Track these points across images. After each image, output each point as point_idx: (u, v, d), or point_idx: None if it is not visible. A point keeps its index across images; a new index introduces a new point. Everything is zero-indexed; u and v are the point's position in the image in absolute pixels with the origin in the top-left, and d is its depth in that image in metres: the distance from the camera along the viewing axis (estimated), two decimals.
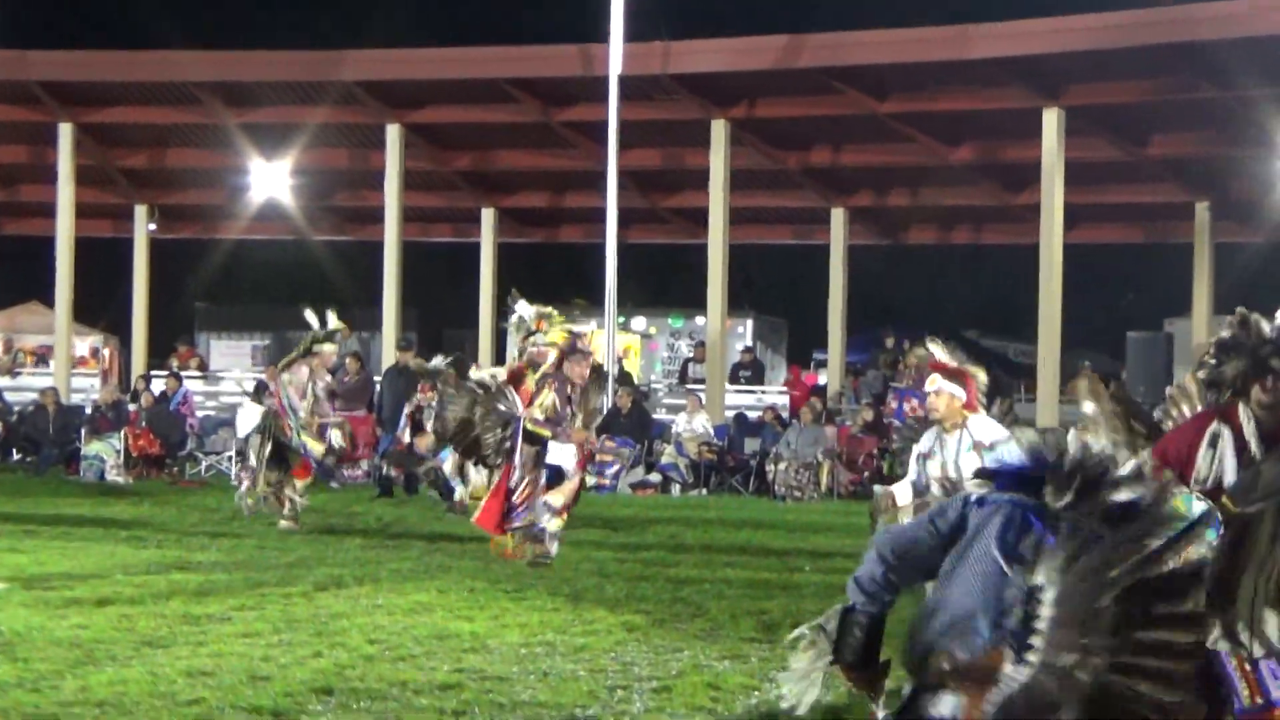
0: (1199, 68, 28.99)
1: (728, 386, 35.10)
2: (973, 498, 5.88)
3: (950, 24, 31.73)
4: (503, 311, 19.98)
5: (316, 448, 20.92)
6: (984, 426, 10.90)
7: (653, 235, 37.16)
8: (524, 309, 18.43)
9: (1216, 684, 7.29)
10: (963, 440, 10.69)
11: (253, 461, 20.83)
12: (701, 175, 34.12)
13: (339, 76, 34.74)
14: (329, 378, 21.77)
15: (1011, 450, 6.72)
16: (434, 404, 21.75)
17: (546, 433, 17.39)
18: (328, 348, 21.11)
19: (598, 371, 18.37)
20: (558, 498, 17.39)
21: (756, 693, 11.48)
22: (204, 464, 30.49)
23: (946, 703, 5.91)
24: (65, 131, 36.20)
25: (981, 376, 11.48)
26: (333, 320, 20.99)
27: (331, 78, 34.76)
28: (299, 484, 20.74)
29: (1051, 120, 30.94)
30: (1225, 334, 8.41)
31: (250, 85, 35.47)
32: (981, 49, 30.63)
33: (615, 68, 30.63)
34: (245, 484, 21.04)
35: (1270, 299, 8.85)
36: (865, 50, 32.23)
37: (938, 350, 11.80)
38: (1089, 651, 5.68)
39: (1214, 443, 8.26)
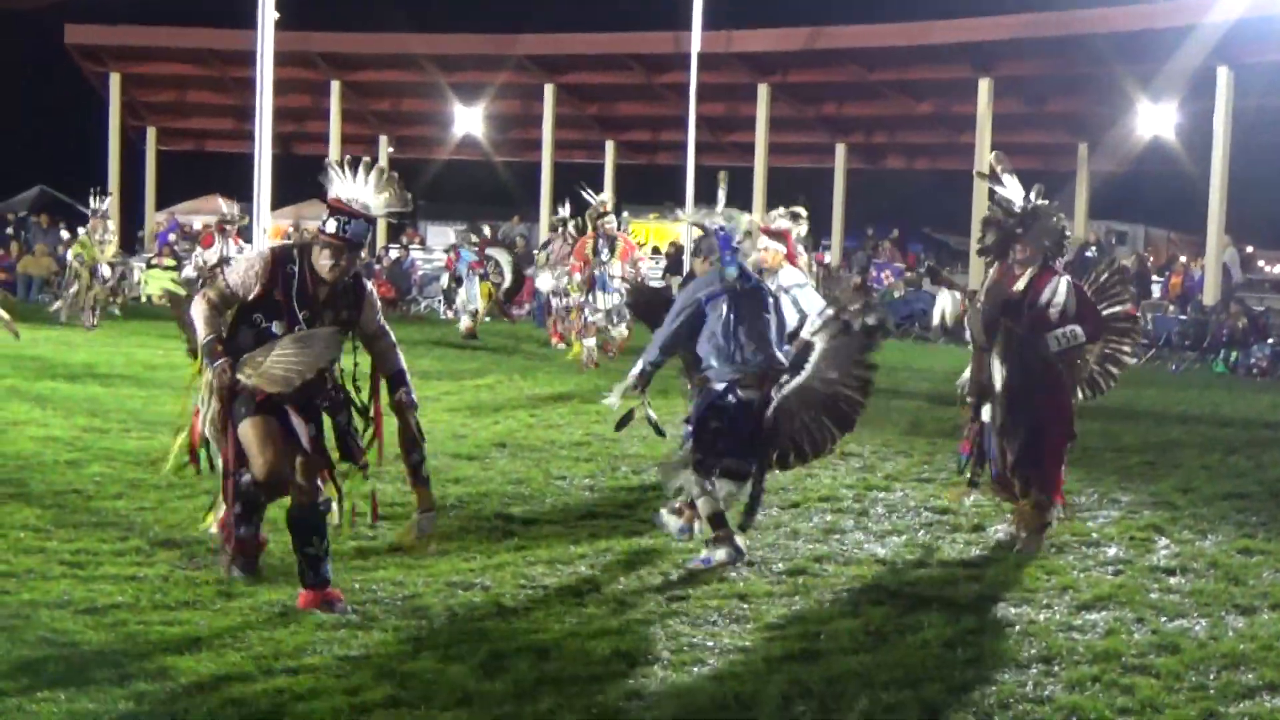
0: None
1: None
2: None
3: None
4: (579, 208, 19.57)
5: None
6: (788, 274, 9.98)
7: (718, 160, 36.88)
8: (595, 198, 18.69)
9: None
10: (774, 282, 10.21)
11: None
12: (750, 121, 33.98)
13: (514, 51, 34.74)
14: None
15: (805, 295, 9.46)
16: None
17: None
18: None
19: None
20: None
21: None
22: (422, 304, 30.61)
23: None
24: (335, 87, 36.33)
25: (799, 231, 11.09)
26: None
27: (508, 52, 34.77)
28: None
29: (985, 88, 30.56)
30: (986, 214, 8.59)
31: (456, 56, 35.50)
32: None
33: (695, 47, 30.36)
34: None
35: None
36: (862, 36, 31.95)
37: (768, 219, 11.25)
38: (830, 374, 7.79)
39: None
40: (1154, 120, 30.84)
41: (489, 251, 22.30)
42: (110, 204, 22.85)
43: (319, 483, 6.69)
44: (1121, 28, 28.41)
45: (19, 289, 29.59)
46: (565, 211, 21.68)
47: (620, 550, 8.05)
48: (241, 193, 24.65)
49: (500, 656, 6.01)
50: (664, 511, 8.48)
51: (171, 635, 6.14)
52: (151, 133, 38.55)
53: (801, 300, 9.49)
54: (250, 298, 6.43)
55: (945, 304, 9.04)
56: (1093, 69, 29.94)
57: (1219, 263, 27.87)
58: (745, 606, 6.93)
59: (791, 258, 10.68)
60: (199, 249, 22.79)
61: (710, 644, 6.32)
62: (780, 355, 8.02)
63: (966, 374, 8.72)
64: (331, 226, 6.34)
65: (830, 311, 7.98)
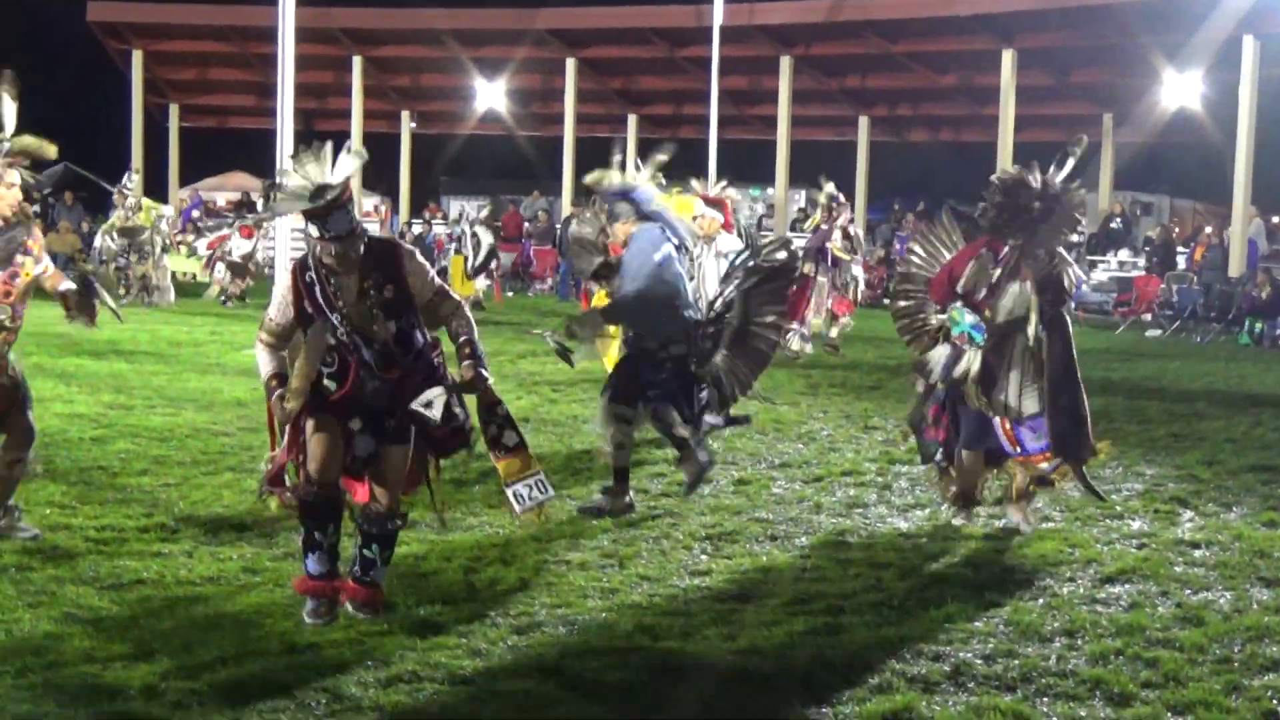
0: None
1: (789, 233, 35.01)
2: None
3: None
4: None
5: None
6: (724, 240, 10.79)
7: (740, 133, 36.80)
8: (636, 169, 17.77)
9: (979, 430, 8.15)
10: (712, 247, 10.75)
11: None
12: (773, 94, 33.87)
13: (535, 25, 34.71)
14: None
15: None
16: None
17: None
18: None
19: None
20: None
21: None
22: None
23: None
24: (356, 62, 36.33)
25: (732, 201, 11.69)
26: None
27: (530, 26, 34.73)
28: None
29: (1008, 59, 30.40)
30: (994, 186, 7.87)
31: (478, 31, 35.47)
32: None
33: (717, 20, 30.23)
34: None
35: None
36: (885, 7, 31.76)
37: (705, 187, 11.66)
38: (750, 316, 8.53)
39: (980, 262, 7.89)
40: (1179, 91, 30.64)
41: (475, 229, 22.57)
42: (130, 180, 23.15)
43: (398, 495, 6.23)
44: None
45: None
46: None
47: (644, 525, 8.05)
48: (264, 169, 24.65)
49: (524, 631, 6.02)
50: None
51: (195, 611, 6.17)
52: (174, 109, 38.64)
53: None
54: (293, 318, 6.10)
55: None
56: (1117, 39, 29.76)
57: (1244, 233, 27.69)
58: (768, 581, 6.93)
59: (729, 226, 10.99)
60: (236, 235, 23.19)
61: (734, 618, 6.32)
62: (697, 312, 8.62)
63: (937, 359, 8.10)
64: (315, 231, 5.94)
65: (747, 259, 8.76)
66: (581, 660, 5.67)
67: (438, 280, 6.19)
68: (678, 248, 8.46)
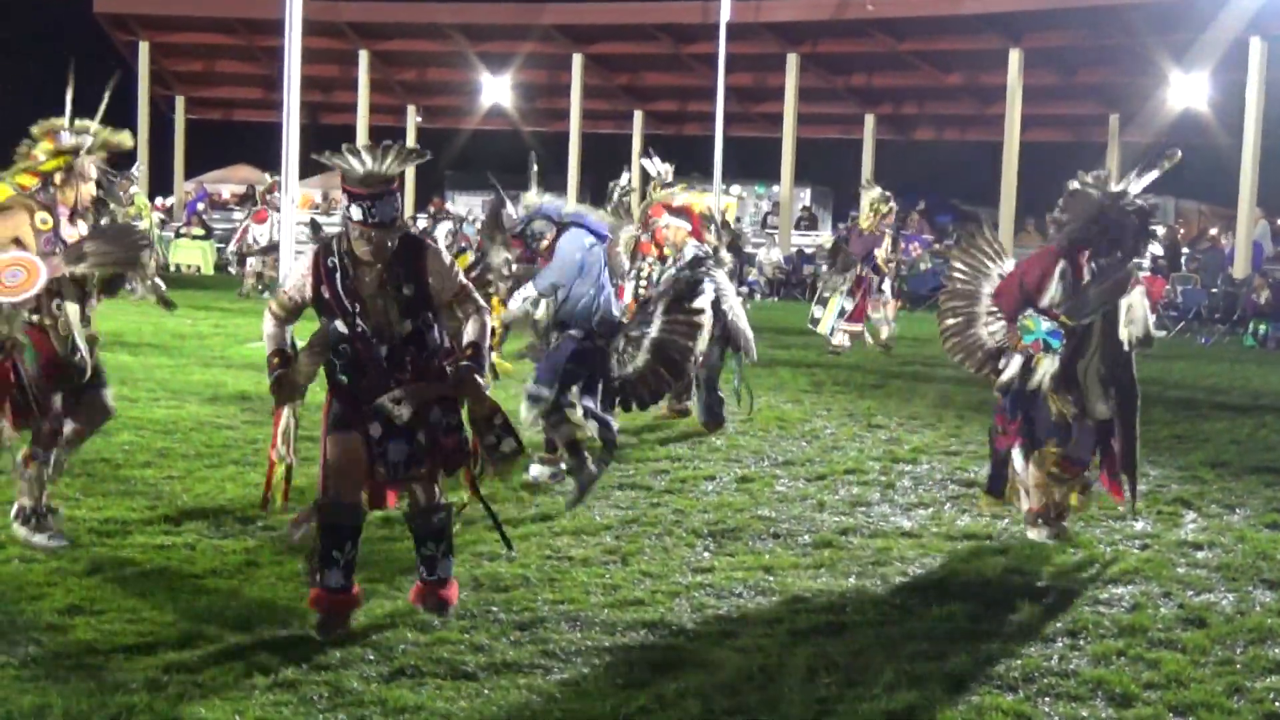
0: None
1: (793, 231, 35.02)
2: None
3: None
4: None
5: None
6: (692, 250, 10.54)
7: (746, 130, 36.75)
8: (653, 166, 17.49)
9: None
10: (679, 258, 10.65)
11: None
12: (779, 92, 33.84)
13: (541, 20, 34.71)
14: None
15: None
16: None
17: None
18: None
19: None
20: None
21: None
22: None
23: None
24: (363, 56, 36.36)
25: (701, 209, 11.33)
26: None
27: (536, 21, 34.74)
28: None
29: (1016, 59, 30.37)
30: (1073, 192, 7.80)
31: (484, 25, 35.48)
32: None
33: (724, 16, 30.21)
34: None
35: None
36: (892, 6, 31.71)
37: (669, 195, 11.37)
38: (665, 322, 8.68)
39: (1060, 273, 7.76)
40: (1186, 92, 30.60)
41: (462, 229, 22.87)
42: (136, 170, 23.21)
43: (435, 488, 6.16)
44: None
45: None
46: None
47: (646, 521, 8.05)
48: (269, 162, 24.68)
49: (526, 626, 6.02)
50: (533, 465, 9.00)
51: (198, 604, 6.17)
52: (180, 102, 38.62)
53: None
54: (308, 300, 6.02)
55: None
56: (1125, 40, 29.72)
57: (1249, 235, 27.65)
58: (771, 578, 6.93)
59: (697, 234, 10.88)
60: (251, 224, 23.33)
61: (736, 615, 6.32)
62: (616, 313, 8.84)
63: (1013, 372, 7.91)
64: (357, 214, 5.79)
65: (670, 275, 9.11)
66: (584, 657, 5.67)
67: (462, 280, 6.05)
68: (601, 238, 8.77)
